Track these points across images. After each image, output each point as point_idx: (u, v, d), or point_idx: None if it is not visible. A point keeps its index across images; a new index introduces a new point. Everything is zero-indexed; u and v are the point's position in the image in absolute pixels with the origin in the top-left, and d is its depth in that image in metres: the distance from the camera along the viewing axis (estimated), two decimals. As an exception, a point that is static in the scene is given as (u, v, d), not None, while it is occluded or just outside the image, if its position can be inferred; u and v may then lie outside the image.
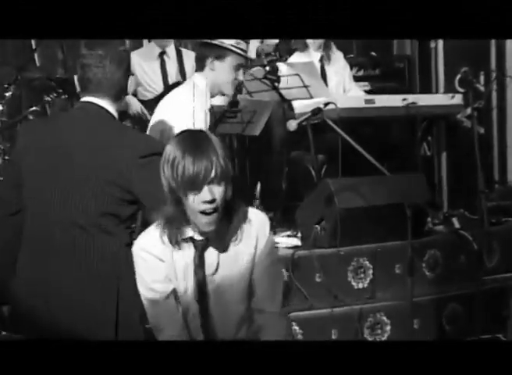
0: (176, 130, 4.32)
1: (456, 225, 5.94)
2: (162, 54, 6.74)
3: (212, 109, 5.30)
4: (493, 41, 8.00)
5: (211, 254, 3.26)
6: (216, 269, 3.27)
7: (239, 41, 4.84)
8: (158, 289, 3.31)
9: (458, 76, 7.54)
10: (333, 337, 5.34)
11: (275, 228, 5.77)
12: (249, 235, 3.30)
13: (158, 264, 3.28)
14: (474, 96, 7.05)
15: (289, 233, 5.86)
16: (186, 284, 3.30)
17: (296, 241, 5.74)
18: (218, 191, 3.09)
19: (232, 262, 3.30)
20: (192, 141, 3.12)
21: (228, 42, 4.75)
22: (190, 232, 3.22)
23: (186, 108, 4.80)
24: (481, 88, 7.69)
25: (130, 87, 5.75)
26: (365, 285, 5.66)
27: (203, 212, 3.10)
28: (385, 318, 5.51)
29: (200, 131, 3.35)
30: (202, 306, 3.30)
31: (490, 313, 5.60)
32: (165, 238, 3.23)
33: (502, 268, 6.02)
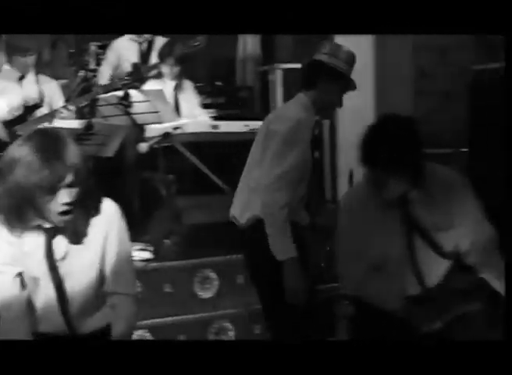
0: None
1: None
2: (21, 78, 6.55)
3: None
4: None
5: (60, 241, 3.21)
6: (65, 256, 3.21)
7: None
8: (5, 270, 3.21)
9: None
10: (181, 343, 5.38)
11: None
12: (100, 224, 3.28)
13: (6, 247, 3.20)
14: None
15: (141, 246, 5.85)
16: (39, 270, 3.22)
17: (148, 254, 5.78)
18: (73, 193, 3.05)
19: (82, 250, 3.25)
20: (48, 143, 3.04)
21: (341, 65, 4.63)
22: (38, 220, 3.14)
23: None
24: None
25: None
26: (211, 294, 5.75)
27: (59, 213, 3.06)
28: (229, 324, 5.62)
29: (55, 130, 3.25)
30: (59, 291, 3.23)
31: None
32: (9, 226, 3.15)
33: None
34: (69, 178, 3.01)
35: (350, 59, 4.68)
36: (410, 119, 3.81)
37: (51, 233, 3.19)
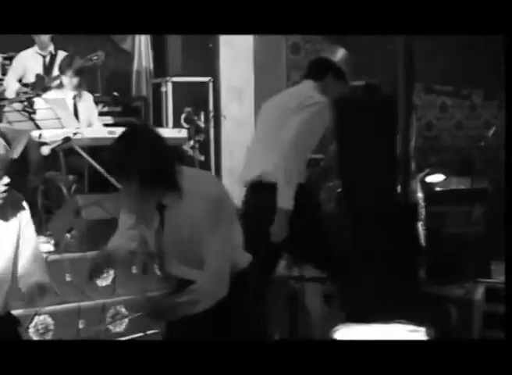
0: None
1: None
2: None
3: None
4: (211, 84, 8.29)
5: None
6: None
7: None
8: None
9: (183, 115, 7.68)
10: (80, 326, 5.35)
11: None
12: (13, 219, 3.38)
13: None
14: (196, 131, 7.32)
15: (43, 240, 5.76)
16: None
17: (49, 247, 5.72)
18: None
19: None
20: None
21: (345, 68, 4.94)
22: None
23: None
24: (202, 125, 7.87)
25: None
26: (108, 283, 5.71)
27: None
28: (123, 309, 5.62)
29: None
30: None
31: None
32: None
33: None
34: None
35: (350, 63, 5.00)
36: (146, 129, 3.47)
37: None
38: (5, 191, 3.23)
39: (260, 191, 4.83)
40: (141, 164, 3.09)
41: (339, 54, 5.02)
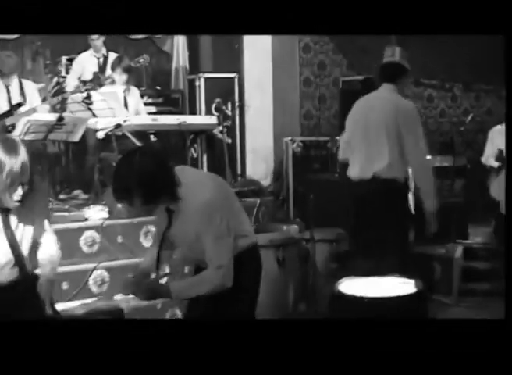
0: None
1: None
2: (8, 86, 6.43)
3: None
4: (236, 79, 8.20)
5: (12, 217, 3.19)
6: (17, 226, 3.18)
7: None
8: None
9: (214, 105, 7.61)
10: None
11: (89, 205, 5.81)
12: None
13: None
14: (224, 118, 7.31)
15: (100, 208, 5.74)
16: None
17: (105, 214, 5.68)
18: (24, 188, 3.05)
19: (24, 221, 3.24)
20: (11, 149, 3.00)
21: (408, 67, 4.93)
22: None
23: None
24: (229, 113, 7.81)
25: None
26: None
27: (16, 201, 3.06)
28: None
29: (13, 140, 3.15)
30: (16, 255, 3.21)
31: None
32: None
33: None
34: (25, 177, 3.02)
35: (407, 58, 4.93)
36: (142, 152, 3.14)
37: (6, 212, 3.17)
38: (20, 201, 3.08)
39: (378, 184, 4.74)
40: (141, 186, 2.96)
41: (398, 53, 4.92)
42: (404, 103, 4.84)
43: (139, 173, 2.96)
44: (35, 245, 3.29)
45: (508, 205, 3.52)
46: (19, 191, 3.05)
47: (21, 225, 3.23)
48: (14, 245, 3.20)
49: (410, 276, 3.79)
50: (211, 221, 3.10)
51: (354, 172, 4.88)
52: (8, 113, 6.13)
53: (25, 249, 3.24)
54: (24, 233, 3.24)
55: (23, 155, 3.04)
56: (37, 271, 3.36)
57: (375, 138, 4.76)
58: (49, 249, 3.36)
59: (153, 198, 3.04)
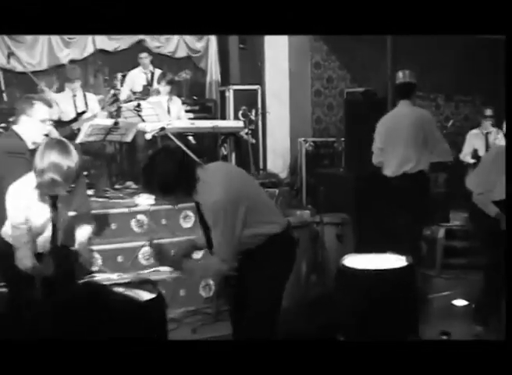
0: None
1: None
2: (74, 96, 6.44)
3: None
4: (259, 91, 8.16)
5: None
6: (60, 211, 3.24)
7: None
8: (21, 227, 3.18)
9: (240, 111, 7.58)
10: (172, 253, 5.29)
11: (139, 194, 5.73)
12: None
13: (22, 213, 3.18)
14: (249, 122, 7.28)
15: (147, 196, 5.60)
16: (44, 221, 3.24)
17: (152, 201, 5.57)
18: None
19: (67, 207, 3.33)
20: (65, 152, 3.04)
21: None
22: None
23: None
24: (253, 118, 7.76)
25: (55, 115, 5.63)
26: (190, 225, 5.55)
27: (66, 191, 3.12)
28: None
29: (65, 142, 3.16)
30: (54, 235, 3.25)
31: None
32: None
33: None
34: (74, 175, 3.05)
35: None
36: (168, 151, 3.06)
37: (54, 199, 3.20)
38: (68, 191, 3.12)
39: (412, 177, 4.94)
40: (160, 182, 2.91)
41: (408, 74, 5.07)
42: (425, 113, 5.10)
43: (158, 171, 2.91)
44: (71, 226, 3.33)
45: (508, 204, 3.47)
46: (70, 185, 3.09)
47: (63, 209, 3.27)
48: (55, 224, 3.22)
49: (402, 254, 3.78)
50: (218, 219, 2.96)
51: (389, 171, 5.07)
52: (75, 119, 6.17)
53: (61, 227, 3.28)
54: (63, 216, 3.27)
55: (75, 155, 3.06)
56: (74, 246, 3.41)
57: (404, 145, 4.94)
58: (84, 230, 3.42)
59: (169, 192, 2.96)
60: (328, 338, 3.24)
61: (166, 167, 2.91)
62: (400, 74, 5.08)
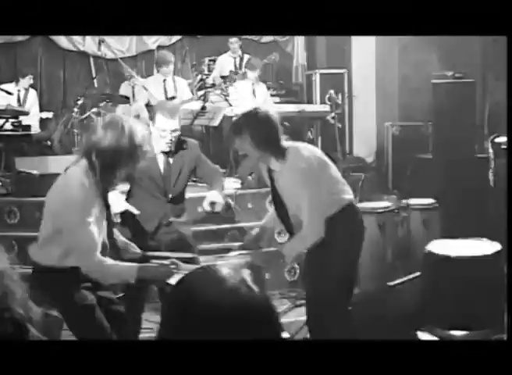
0: None
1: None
2: (164, 80, 6.57)
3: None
4: (346, 74, 8.07)
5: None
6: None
7: None
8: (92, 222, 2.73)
9: (327, 96, 7.45)
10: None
11: (226, 177, 5.86)
12: None
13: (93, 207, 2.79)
14: (336, 106, 7.21)
15: (234, 180, 5.80)
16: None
17: (238, 185, 5.72)
18: None
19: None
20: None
21: None
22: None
23: None
24: (340, 102, 7.63)
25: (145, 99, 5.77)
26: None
27: None
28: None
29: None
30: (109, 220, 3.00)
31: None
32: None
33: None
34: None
35: None
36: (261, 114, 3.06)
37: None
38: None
39: None
40: (254, 135, 2.96)
41: None
42: None
43: (255, 124, 2.98)
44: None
45: (509, 205, 3.31)
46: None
47: None
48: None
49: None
50: (309, 184, 2.94)
51: None
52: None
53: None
54: None
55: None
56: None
57: None
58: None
59: (261, 147, 2.98)
60: (327, 338, 3.08)
61: (262, 123, 2.98)
62: None
